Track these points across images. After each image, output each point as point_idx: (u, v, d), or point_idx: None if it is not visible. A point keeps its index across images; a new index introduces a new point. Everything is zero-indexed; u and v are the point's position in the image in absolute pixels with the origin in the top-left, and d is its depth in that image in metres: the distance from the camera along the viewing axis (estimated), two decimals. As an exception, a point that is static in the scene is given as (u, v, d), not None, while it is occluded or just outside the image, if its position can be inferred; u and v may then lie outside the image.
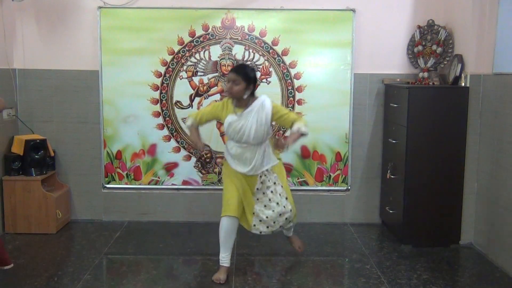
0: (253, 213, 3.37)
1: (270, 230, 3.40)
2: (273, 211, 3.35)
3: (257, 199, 3.37)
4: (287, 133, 3.84)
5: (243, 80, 3.24)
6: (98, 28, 4.28)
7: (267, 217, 3.35)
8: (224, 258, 3.33)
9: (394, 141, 4.06)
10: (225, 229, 3.30)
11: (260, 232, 3.40)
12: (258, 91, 3.60)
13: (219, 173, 4.46)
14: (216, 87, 4.36)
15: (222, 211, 3.34)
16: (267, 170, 3.38)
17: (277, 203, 3.36)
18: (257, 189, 3.37)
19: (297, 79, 4.35)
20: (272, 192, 3.37)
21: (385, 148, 4.40)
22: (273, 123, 3.50)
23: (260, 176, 3.36)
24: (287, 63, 4.33)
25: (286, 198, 3.42)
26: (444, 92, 3.91)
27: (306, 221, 4.46)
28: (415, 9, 4.32)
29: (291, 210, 3.42)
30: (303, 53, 4.33)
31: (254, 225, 3.38)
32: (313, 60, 4.34)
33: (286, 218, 3.41)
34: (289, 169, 4.40)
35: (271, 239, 4.02)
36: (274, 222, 3.38)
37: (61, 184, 4.44)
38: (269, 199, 3.36)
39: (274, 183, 3.39)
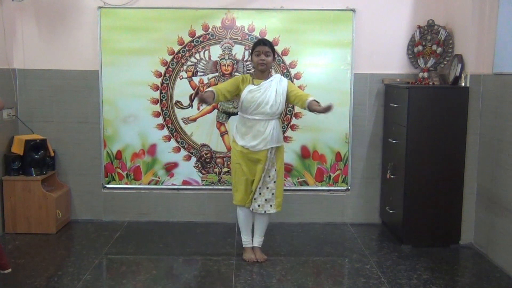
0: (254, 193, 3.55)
1: (261, 209, 3.56)
2: (260, 194, 3.54)
3: (263, 176, 3.51)
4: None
5: (272, 52, 3.53)
6: (98, 28, 4.28)
7: (258, 204, 3.55)
8: (246, 240, 3.67)
9: (394, 141, 4.06)
10: (241, 217, 3.66)
11: (252, 210, 3.58)
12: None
13: (219, 173, 4.46)
14: (216, 87, 4.36)
15: (233, 198, 3.64)
16: (272, 149, 3.51)
17: (267, 188, 3.53)
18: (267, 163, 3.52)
19: (297, 79, 4.34)
20: (269, 177, 3.53)
21: (385, 148, 4.40)
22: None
23: (270, 152, 3.51)
24: (287, 63, 4.33)
25: (274, 182, 3.54)
26: (444, 92, 3.91)
27: (306, 221, 4.46)
28: (415, 9, 4.32)
29: (273, 194, 3.54)
30: (303, 53, 4.33)
31: (253, 200, 3.56)
32: (313, 60, 4.34)
33: (270, 204, 3.56)
34: (289, 169, 4.41)
35: (271, 239, 4.03)
36: (259, 206, 3.55)
37: (61, 184, 4.43)
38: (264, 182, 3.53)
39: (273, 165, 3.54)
